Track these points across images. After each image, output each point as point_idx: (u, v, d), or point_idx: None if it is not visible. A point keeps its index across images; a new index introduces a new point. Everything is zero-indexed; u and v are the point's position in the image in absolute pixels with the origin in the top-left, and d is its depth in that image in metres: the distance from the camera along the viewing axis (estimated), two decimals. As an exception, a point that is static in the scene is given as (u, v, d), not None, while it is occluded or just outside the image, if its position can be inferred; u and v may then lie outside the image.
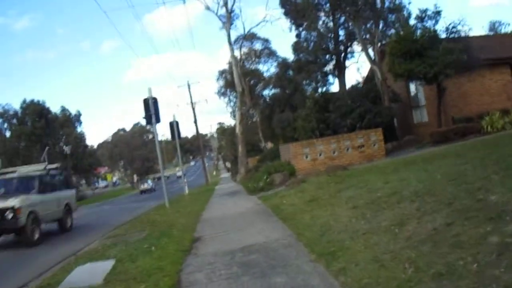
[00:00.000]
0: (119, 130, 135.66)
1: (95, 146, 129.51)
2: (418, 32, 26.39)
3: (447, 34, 26.86)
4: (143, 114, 23.19)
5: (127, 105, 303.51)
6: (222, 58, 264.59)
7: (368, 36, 35.05)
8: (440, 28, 27.29)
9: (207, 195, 30.42)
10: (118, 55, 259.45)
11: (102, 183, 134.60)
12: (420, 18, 27.93)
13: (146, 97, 23.01)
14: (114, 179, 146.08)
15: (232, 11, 43.63)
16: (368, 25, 34.85)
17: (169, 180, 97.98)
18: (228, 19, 43.27)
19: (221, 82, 68.08)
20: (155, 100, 23.12)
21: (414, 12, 35.96)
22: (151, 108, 22.72)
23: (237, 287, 6.89)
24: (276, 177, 23.26)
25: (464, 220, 6.77)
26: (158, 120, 23.32)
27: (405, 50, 25.06)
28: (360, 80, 43.37)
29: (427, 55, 24.54)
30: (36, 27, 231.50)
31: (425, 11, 27.83)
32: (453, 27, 26.91)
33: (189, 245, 10.88)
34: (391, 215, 8.74)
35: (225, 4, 42.77)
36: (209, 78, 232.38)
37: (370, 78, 35.78)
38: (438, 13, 27.74)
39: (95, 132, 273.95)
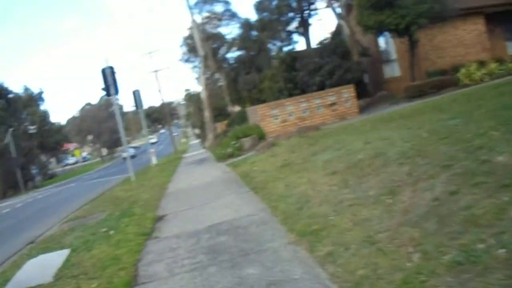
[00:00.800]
0: (86, 105, 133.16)
1: (64, 123, 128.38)
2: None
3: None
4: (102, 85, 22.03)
5: (93, 79, 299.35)
6: (184, 25, 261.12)
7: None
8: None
9: (174, 164, 29.39)
10: (79, 30, 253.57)
11: (71, 160, 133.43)
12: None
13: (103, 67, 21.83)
14: (84, 154, 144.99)
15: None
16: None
17: (140, 150, 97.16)
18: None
19: (185, 48, 66.66)
20: (112, 70, 22.04)
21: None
22: (108, 78, 21.78)
23: (202, 282, 5.73)
24: (245, 142, 21.98)
25: (471, 187, 5.53)
26: (116, 91, 22.37)
27: (374, 1, 23.62)
28: (326, 37, 42.13)
29: (398, 5, 23.12)
30: None
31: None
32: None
33: (150, 226, 9.77)
34: (378, 181, 7.56)
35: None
36: (173, 46, 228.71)
37: (337, 33, 34.49)
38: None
39: (63, 109, 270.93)
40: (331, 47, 30.34)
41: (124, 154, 69.77)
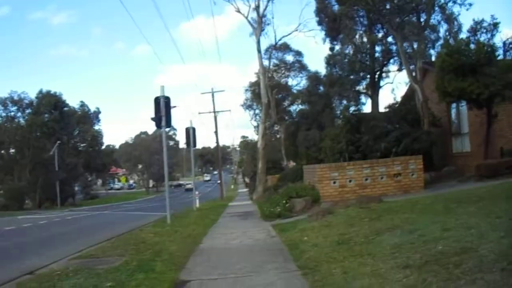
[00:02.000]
0: (141, 133, 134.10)
1: (117, 147, 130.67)
2: (472, 46, 22.84)
3: (504, 50, 23.52)
4: (152, 115, 20.59)
5: (151, 109, 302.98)
6: (251, 73, 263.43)
7: (410, 50, 31.64)
8: (497, 42, 23.99)
9: (217, 212, 27.48)
10: (148, 60, 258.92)
11: (117, 185, 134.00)
12: (474, 31, 24.65)
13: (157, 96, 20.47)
14: (131, 182, 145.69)
15: (263, 15, 40.91)
16: (407, 45, 31.42)
17: (181, 190, 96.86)
18: (259, 24, 40.46)
19: (248, 94, 66.17)
20: (167, 100, 20.53)
21: (466, 25, 32.20)
22: (161, 109, 20.17)
23: None
24: (297, 203, 19.96)
25: None
26: (168, 123, 20.99)
27: (458, 65, 21.52)
28: (396, 101, 40.04)
29: (483, 72, 21.02)
30: (73, 24, 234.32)
31: (480, 22, 24.62)
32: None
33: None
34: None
35: (257, 7, 40.11)
36: (236, 91, 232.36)
37: (408, 98, 32.37)
38: (495, 25, 24.53)
39: (117, 133, 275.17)
40: (401, 113, 28.48)
41: (188, 186, 68.31)
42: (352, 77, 43.38)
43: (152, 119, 20.78)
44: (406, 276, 6.69)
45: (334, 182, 21.44)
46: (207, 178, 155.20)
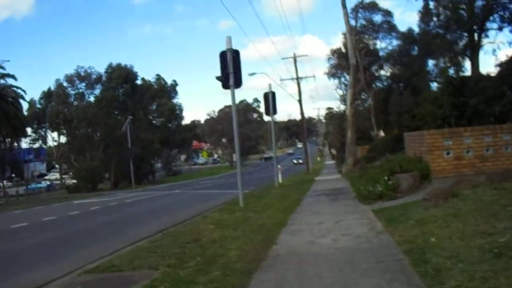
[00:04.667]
0: (225, 107, 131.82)
1: (202, 121, 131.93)
2: None
3: None
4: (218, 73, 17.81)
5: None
6: (334, 43, 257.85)
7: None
8: None
9: (301, 190, 23.22)
10: (233, 35, 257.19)
11: (201, 160, 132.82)
12: None
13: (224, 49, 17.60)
14: (215, 156, 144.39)
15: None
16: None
17: (270, 162, 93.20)
18: (347, -29, 36.08)
19: (332, 61, 62.12)
20: (236, 55, 17.57)
21: None
22: (229, 65, 17.25)
23: None
24: (403, 180, 15.50)
25: None
26: (238, 83, 17.94)
27: None
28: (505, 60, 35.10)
29: None
30: (154, 2, 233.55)
31: None
32: None
33: None
34: None
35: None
36: (320, 62, 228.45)
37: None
38: None
39: (204, 108, 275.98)
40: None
41: (266, 155, 64.95)
42: (448, 36, 38.62)
43: (218, 78, 17.90)
44: None
45: (448, 153, 17.09)
46: (291, 151, 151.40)
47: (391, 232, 9.38)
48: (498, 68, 29.26)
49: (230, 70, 17.29)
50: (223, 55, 17.52)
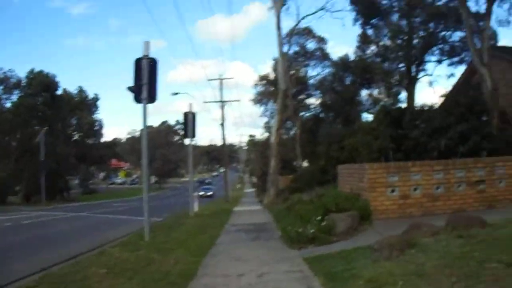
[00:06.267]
0: (148, 127, 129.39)
1: (124, 139, 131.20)
2: None
3: None
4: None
5: (163, 102, 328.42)
6: (263, 71, 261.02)
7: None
8: None
9: (218, 223, 20.47)
10: (163, 55, 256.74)
11: (119, 180, 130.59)
12: None
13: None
14: (135, 176, 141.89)
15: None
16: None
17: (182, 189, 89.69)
18: (281, -5, 34.02)
19: (260, 88, 61.55)
20: (153, 63, 15.49)
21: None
22: (143, 74, 15.20)
23: None
24: (339, 221, 12.76)
25: None
26: (153, 96, 15.73)
27: None
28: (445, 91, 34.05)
29: None
30: (90, 15, 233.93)
31: None
32: None
33: None
34: None
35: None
36: (247, 89, 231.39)
37: (467, 86, 25.89)
38: None
39: (126, 127, 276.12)
40: (467, 102, 21.89)
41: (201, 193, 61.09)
42: (386, 65, 37.45)
43: (130, 88, 15.36)
44: None
45: (393, 191, 14.46)
46: (208, 181, 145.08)
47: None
48: (442, 99, 27.88)
49: (145, 80, 14.96)
50: (138, 63, 15.18)
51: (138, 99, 15.18)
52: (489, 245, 8.06)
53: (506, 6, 24.67)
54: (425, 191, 14.62)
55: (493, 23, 25.42)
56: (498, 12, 24.35)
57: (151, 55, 15.24)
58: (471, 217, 10.71)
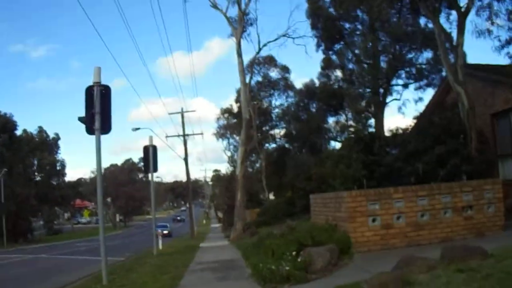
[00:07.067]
0: (111, 166, 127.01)
1: (88, 180, 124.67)
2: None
3: None
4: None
5: (126, 140, 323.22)
6: (225, 105, 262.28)
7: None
8: None
9: (183, 261, 18.90)
10: (123, 94, 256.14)
11: (84, 219, 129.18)
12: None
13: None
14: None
15: (246, 13, 33.54)
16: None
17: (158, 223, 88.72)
18: (240, 21, 33.34)
19: (222, 122, 61.77)
20: (106, 90, 14.48)
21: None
22: (96, 102, 14.17)
23: None
24: (317, 256, 11.33)
25: None
26: (107, 127, 14.49)
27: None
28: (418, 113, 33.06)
29: None
30: (51, 58, 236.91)
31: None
32: None
33: None
34: None
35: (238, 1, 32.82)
36: (209, 124, 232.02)
37: (440, 107, 24.78)
38: None
39: (90, 166, 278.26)
40: (442, 123, 20.87)
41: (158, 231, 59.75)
42: (352, 91, 36.67)
43: (80, 119, 14.07)
44: None
45: (374, 220, 13.13)
46: (180, 218, 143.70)
47: None
48: (414, 121, 26.76)
49: (97, 110, 13.74)
50: (89, 91, 13.96)
51: (90, 130, 13.91)
52: (500, 280, 6.79)
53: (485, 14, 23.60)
54: (409, 220, 13.31)
55: (470, 35, 24.55)
56: (477, 21, 23.32)
57: (114, 93, 14.05)
58: (469, 247, 9.35)
